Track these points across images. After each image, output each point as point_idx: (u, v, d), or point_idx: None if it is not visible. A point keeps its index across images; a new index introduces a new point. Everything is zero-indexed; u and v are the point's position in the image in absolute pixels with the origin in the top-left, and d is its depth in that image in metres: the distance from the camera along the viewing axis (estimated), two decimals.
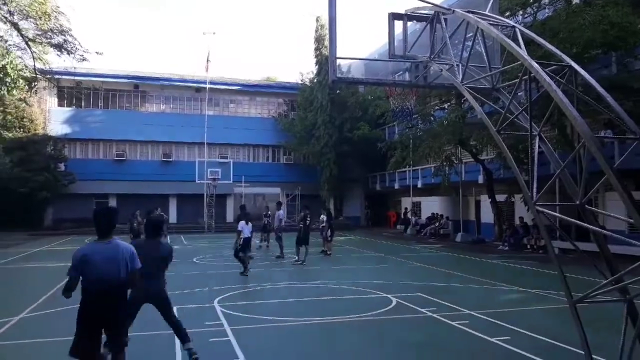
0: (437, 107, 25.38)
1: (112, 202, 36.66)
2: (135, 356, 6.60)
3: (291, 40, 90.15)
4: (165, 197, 36.93)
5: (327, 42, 38.24)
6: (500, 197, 24.32)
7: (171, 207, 37.87)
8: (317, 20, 37.84)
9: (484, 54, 5.53)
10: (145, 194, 34.84)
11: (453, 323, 8.12)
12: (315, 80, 37.82)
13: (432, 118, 24.79)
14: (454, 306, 9.36)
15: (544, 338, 7.18)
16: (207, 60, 35.57)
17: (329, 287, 11.89)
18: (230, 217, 37.98)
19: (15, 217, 32.27)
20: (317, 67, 37.63)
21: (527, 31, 5.25)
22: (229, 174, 35.05)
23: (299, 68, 50.72)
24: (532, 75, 4.41)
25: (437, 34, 6.16)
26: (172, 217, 37.47)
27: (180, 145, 39.23)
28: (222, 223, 35.63)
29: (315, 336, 7.63)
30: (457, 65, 5.57)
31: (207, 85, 36.77)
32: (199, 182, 34.53)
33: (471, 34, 5.53)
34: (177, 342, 7.04)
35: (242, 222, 13.83)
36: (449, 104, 24.24)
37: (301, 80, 39.77)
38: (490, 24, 5.04)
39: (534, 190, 4.19)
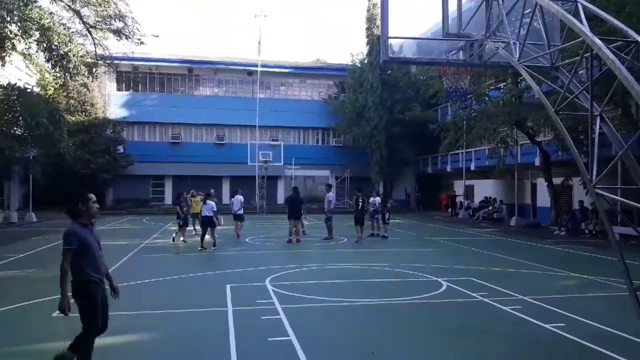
0: (492, 87, 24.60)
1: (168, 184, 38.01)
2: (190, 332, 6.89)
3: (342, 21, 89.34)
4: (218, 178, 37.82)
5: (378, 22, 37.67)
6: (557, 180, 23.43)
7: (224, 188, 38.74)
8: (369, 0, 37.27)
9: (543, 30, 5.30)
10: (200, 176, 35.90)
11: (505, 308, 7.97)
12: (366, 61, 37.40)
13: (486, 98, 24.05)
14: (507, 291, 9.18)
15: (600, 326, 6.94)
16: (259, 43, 35.86)
17: (377, 269, 11.90)
18: (280, 199, 38.50)
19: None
20: (368, 47, 37.15)
21: (589, 5, 4.97)
22: (279, 156, 35.42)
23: (349, 49, 50.03)
24: (594, 52, 4.20)
25: (493, 11, 5.96)
26: (226, 198, 38.39)
27: (233, 128, 39.97)
28: (273, 204, 36.21)
29: (363, 318, 7.68)
30: (514, 43, 5.38)
31: (259, 69, 37.12)
32: (250, 164, 35.12)
33: (529, 10, 5.31)
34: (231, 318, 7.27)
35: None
36: (504, 83, 23.43)
37: (351, 62, 39.43)
38: None
39: (594, 172, 4.01)
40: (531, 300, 8.48)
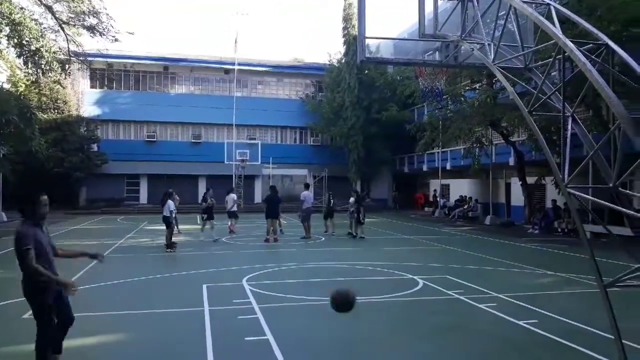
0: (467, 88, 24.92)
1: (143, 183, 37.51)
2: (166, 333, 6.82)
3: (319, 20, 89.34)
4: (195, 178, 37.50)
5: (355, 22, 38.01)
6: (531, 180, 23.88)
7: (200, 187, 38.38)
8: None
9: (517, 32, 5.39)
10: (176, 174, 35.54)
11: (480, 305, 8.10)
12: (343, 61, 37.49)
13: (462, 99, 24.36)
14: (482, 289, 9.32)
15: (573, 322, 7.10)
16: (235, 42, 35.66)
17: (355, 268, 11.96)
18: (258, 198, 38.34)
19: (52, 196, 33.24)
20: (345, 47, 37.24)
21: (562, 9, 5.08)
22: (257, 155, 35.28)
23: (327, 48, 50.17)
24: (566, 54, 4.29)
25: (469, 12, 6.03)
26: (201, 197, 38.06)
27: (210, 127, 39.63)
28: (250, 204, 36.04)
29: (341, 316, 7.68)
30: (489, 44, 5.46)
31: (236, 67, 36.89)
32: (227, 163, 34.89)
33: (504, 12, 5.39)
34: (207, 318, 7.22)
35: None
36: (480, 84, 23.77)
37: (329, 61, 39.48)
38: (524, 2, 4.90)
39: (566, 172, 4.10)
40: (505, 298, 8.63)
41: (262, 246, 16.28)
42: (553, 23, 4.54)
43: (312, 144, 41.15)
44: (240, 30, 57.47)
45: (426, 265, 12.24)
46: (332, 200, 20.26)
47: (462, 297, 8.69)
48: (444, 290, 9.26)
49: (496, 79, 21.55)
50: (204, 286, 9.44)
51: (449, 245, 16.67)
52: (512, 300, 8.44)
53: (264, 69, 40.85)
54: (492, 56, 5.37)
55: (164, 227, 15.23)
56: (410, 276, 10.60)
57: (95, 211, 32.54)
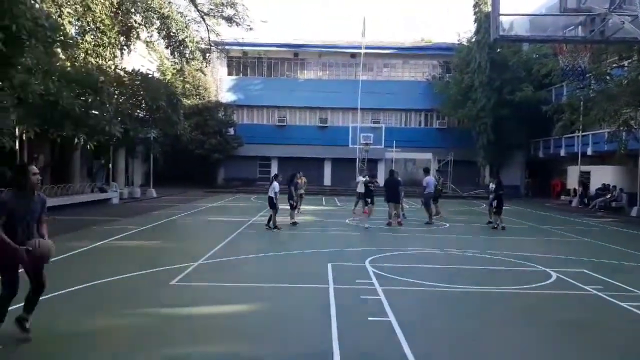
0: (614, 65, 22.50)
1: (274, 164, 39.49)
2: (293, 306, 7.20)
3: None
4: (321, 160, 38.69)
5: None
6: None
7: (326, 170, 39.56)
8: None
9: None
10: (303, 157, 36.91)
11: (622, 304, 7.41)
12: (474, 40, 35.84)
13: (608, 77, 22.06)
14: (625, 286, 8.50)
15: None
16: (363, 25, 35.70)
17: (482, 256, 11.55)
18: (381, 181, 38.32)
19: (193, 175, 36.60)
20: (475, 25, 35.56)
21: None
22: (380, 139, 35.27)
23: (455, 28, 48.06)
24: None
25: None
26: (327, 179, 39.22)
27: (336, 111, 40.45)
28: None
29: (466, 304, 7.54)
30: None
31: (362, 50, 37.02)
32: (352, 146, 35.37)
33: None
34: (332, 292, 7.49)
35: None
36: (629, 60, 21.33)
37: (458, 41, 38.00)
38: None
39: None
40: None
41: (386, 229, 16.36)
42: None
43: (437, 127, 40.15)
44: (366, 14, 57.28)
45: (561, 258, 11.44)
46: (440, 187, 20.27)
47: (600, 294, 8.02)
48: (580, 285, 8.61)
49: None
50: (329, 265, 9.77)
51: (588, 238, 15.38)
52: None
53: (389, 51, 40.55)
54: None
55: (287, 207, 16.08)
56: (543, 268, 9.99)
57: (231, 190, 35.03)
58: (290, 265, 10.18)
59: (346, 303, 7.15)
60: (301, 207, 19.75)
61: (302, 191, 19.69)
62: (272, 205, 15.36)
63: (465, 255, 11.66)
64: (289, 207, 16.50)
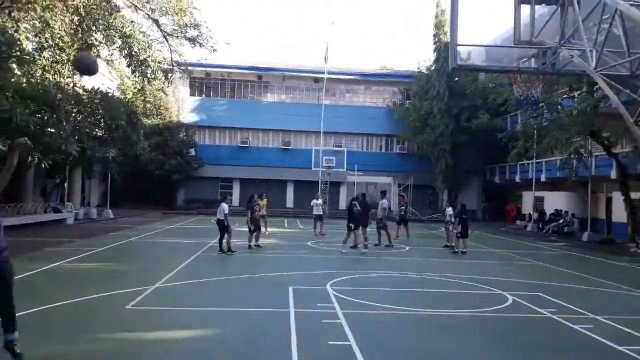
0: (565, 96, 23.56)
1: (236, 186, 39.19)
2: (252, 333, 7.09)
3: (409, 27, 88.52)
4: (283, 182, 38.63)
5: (447, 29, 37.29)
6: (636, 195, 22.06)
7: (288, 192, 39.52)
8: (437, 6, 36.82)
9: (622, 37, 5.08)
10: (266, 179, 36.79)
11: (575, 326, 7.63)
12: (433, 68, 36.87)
13: (559, 107, 23.06)
14: (577, 309, 8.77)
15: None
16: (326, 51, 36.21)
17: (439, 279, 11.72)
18: (342, 204, 38.60)
19: (153, 196, 35.84)
20: (435, 54, 36.63)
21: None
22: (342, 162, 35.59)
23: (415, 56, 49.46)
24: None
25: (568, 17, 5.77)
26: (290, 202, 39.16)
27: (299, 134, 40.63)
28: (335, 210, 36.36)
29: (425, 328, 7.61)
30: (591, 50, 5.19)
31: (325, 75, 37.50)
32: (314, 169, 35.51)
33: (608, 16, 5.11)
34: (292, 318, 7.43)
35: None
36: (579, 92, 22.40)
37: (417, 68, 39.03)
38: (632, 4, 4.62)
39: None
40: (604, 320, 8.06)
41: (347, 252, 16.36)
42: None
43: (398, 151, 40.82)
44: (329, 39, 58.30)
45: (516, 281, 11.72)
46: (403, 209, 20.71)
47: (554, 317, 8.24)
48: (535, 308, 8.83)
49: (598, 86, 20.30)
50: (290, 288, 9.70)
51: (542, 262, 15.83)
52: (611, 323, 7.87)
53: (352, 77, 41.23)
54: (594, 63, 5.11)
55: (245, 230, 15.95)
56: (499, 291, 10.20)
57: (191, 212, 34.45)
58: (250, 289, 10.04)
59: (307, 327, 7.10)
60: (266, 229, 19.71)
61: (263, 212, 19.42)
62: (224, 227, 14.63)
63: (425, 279, 11.80)
64: (247, 230, 16.17)
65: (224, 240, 14.71)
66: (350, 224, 16.05)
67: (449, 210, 18.35)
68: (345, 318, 7.59)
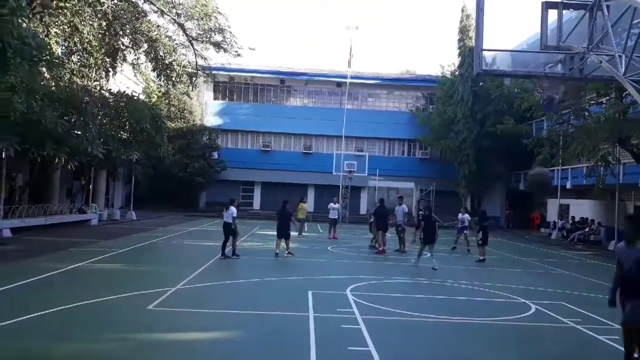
0: (592, 102, 23.10)
1: (257, 189, 39.41)
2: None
3: (433, 32, 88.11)
4: (304, 186, 38.67)
5: (471, 33, 36.96)
6: None
7: (309, 196, 39.54)
8: (462, 11, 36.51)
9: None
10: (287, 183, 36.92)
11: (599, 337, 7.45)
12: (457, 73, 36.55)
13: (586, 113, 22.62)
14: (603, 319, 8.55)
15: None
16: (350, 55, 36.26)
17: (463, 287, 11.57)
18: (363, 209, 38.49)
19: (175, 198, 36.27)
20: (459, 58, 36.32)
21: None
22: (364, 167, 35.51)
23: (439, 60, 49.06)
24: None
25: (597, 22, 5.66)
26: (310, 206, 39.18)
27: (320, 138, 40.70)
28: (355, 215, 36.29)
29: (445, 334, 7.51)
30: (620, 55, 5.08)
31: (348, 80, 37.53)
32: (335, 173, 35.51)
33: (638, 21, 5.00)
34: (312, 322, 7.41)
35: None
36: (607, 98, 21.93)
37: (441, 73, 38.75)
38: None
39: None
40: None
41: (366, 257, 16.32)
42: None
43: (420, 157, 40.57)
44: (352, 44, 58.28)
45: (540, 290, 11.51)
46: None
47: (578, 327, 8.06)
48: (559, 317, 8.65)
49: (627, 92, 19.86)
50: (310, 292, 9.69)
51: (567, 270, 15.52)
52: None
53: (374, 81, 41.14)
54: (624, 68, 4.99)
55: (275, 234, 15.45)
56: (523, 300, 10.03)
57: (213, 214, 34.71)
58: (270, 292, 10.06)
59: (326, 332, 7.07)
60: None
61: (302, 217, 21.82)
62: (231, 231, 14.40)
63: (445, 285, 11.67)
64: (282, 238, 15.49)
65: (229, 244, 14.49)
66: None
67: (465, 216, 18.78)
68: (364, 324, 7.54)
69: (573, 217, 29.34)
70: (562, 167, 28.89)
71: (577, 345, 7.23)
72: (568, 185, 29.29)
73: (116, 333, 6.66)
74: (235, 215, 14.51)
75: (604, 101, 22.35)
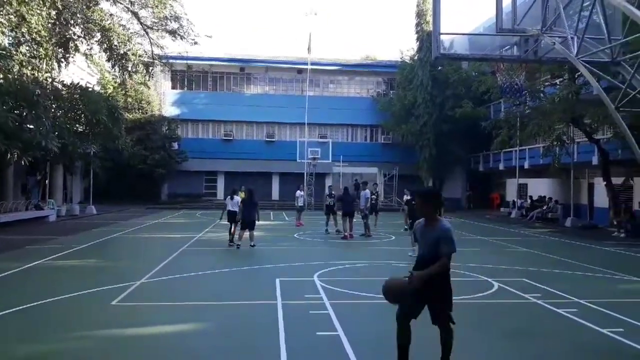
0: (547, 83, 23.78)
1: (220, 179, 39.00)
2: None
3: (391, 17, 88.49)
4: (268, 175, 38.52)
5: (429, 17, 37.34)
6: (617, 180, 22.41)
7: (274, 184, 39.49)
8: None
9: (603, 24, 5.11)
10: (251, 172, 36.66)
11: (559, 311, 7.74)
12: (416, 58, 36.94)
13: (541, 95, 23.27)
14: (562, 294, 8.90)
15: None
16: (309, 42, 36.05)
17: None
18: None
19: (136, 191, 35.49)
20: (417, 43, 36.69)
21: None
22: (328, 153, 35.59)
23: (398, 45, 49.20)
24: None
25: (550, 4, 5.79)
26: (275, 194, 39.09)
27: (283, 126, 40.49)
28: (320, 201, 36.36)
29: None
30: (572, 37, 5.22)
31: (309, 67, 37.35)
32: (299, 161, 35.44)
33: (588, 3, 5.13)
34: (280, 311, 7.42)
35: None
36: (560, 79, 22.62)
37: (401, 58, 39.06)
38: None
39: None
40: (587, 304, 8.19)
41: (331, 243, 16.41)
42: None
43: (382, 142, 40.91)
44: (312, 30, 58.01)
45: (502, 268, 11.85)
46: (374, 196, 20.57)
47: (539, 302, 8.35)
48: (521, 293, 8.94)
49: (579, 73, 20.47)
50: (277, 280, 9.69)
51: (526, 248, 16.02)
52: (595, 307, 7.99)
53: (335, 67, 41.12)
54: (576, 50, 5.13)
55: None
56: (485, 278, 10.31)
57: (175, 206, 34.19)
58: (237, 282, 10.01)
59: (295, 318, 7.09)
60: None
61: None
62: (236, 220, 15.01)
63: (410, 267, 11.84)
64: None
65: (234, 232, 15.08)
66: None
67: (407, 197, 19.84)
68: (333, 308, 7.60)
69: (531, 197, 30.24)
70: (520, 148, 29.69)
71: (539, 320, 7.48)
72: (526, 165, 30.16)
73: (79, 331, 6.50)
74: (240, 204, 15.06)
75: (558, 82, 23.03)
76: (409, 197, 19.34)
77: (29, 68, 20.31)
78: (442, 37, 6.63)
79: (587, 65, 4.98)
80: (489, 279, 10.15)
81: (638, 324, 7.05)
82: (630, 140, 4.57)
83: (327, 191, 21.06)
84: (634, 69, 4.64)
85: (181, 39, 24.24)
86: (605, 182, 22.65)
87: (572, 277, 11.03)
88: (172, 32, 24.10)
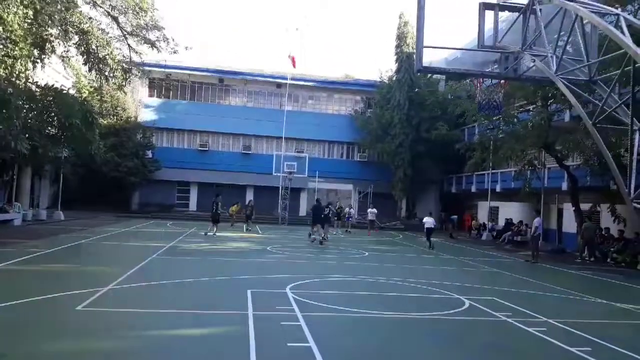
0: (521, 109, 24.33)
1: (194, 190, 38.49)
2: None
3: (371, 37, 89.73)
4: (243, 187, 38.16)
5: (409, 40, 37.89)
6: (585, 206, 22.92)
7: (248, 197, 39.08)
8: (400, 17, 37.47)
9: (582, 44, 5.24)
10: (225, 184, 36.27)
11: (529, 329, 7.79)
12: (395, 78, 37.46)
13: (515, 119, 23.78)
14: (531, 312, 8.97)
15: (628, 352, 6.72)
16: (291, 57, 36.18)
17: (399, 284, 11.77)
18: (303, 210, 38.52)
19: (107, 198, 34.71)
20: (397, 64, 37.25)
21: (633, 19, 4.90)
22: (304, 168, 35.51)
23: (378, 65, 49.76)
24: (637, 65, 4.13)
25: (531, 24, 5.91)
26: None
27: (260, 139, 40.32)
28: (295, 216, 36.23)
29: (384, 330, 7.59)
30: (552, 56, 5.33)
31: (288, 81, 37.46)
32: (275, 174, 35.27)
33: (568, 24, 5.26)
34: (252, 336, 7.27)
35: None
36: (534, 106, 23.17)
37: (380, 78, 39.56)
38: (592, 12, 4.76)
39: (632, 185, 3.93)
40: (556, 323, 8.27)
41: (306, 257, 16.29)
42: (623, 33, 4.39)
43: (358, 159, 41.10)
44: (293, 45, 58.36)
45: (473, 287, 11.91)
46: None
47: (509, 320, 8.39)
48: (491, 311, 8.98)
49: (551, 100, 21.05)
50: (249, 291, 9.52)
51: (497, 269, 16.18)
52: (563, 326, 8.08)
53: (314, 84, 41.30)
54: (555, 67, 5.24)
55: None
56: (457, 296, 10.34)
57: (146, 215, 33.53)
58: (208, 292, 9.80)
59: (266, 330, 6.96)
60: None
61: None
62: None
63: (383, 282, 11.83)
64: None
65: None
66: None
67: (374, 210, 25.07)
68: (304, 320, 7.49)
69: (509, 219, 30.75)
70: (492, 171, 30.17)
71: (508, 337, 7.51)
72: (498, 189, 30.61)
73: (38, 337, 6.24)
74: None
75: (531, 109, 23.57)
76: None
77: (2, 67, 19.81)
78: (424, 56, 6.70)
79: (565, 82, 5.10)
80: (461, 297, 10.18)
81: (604, 343, 7.13)
82: (605, 154, 4.66)
83: (315, 202, 22.93)
84: (610, 88, 4.75)
85: (158, 51, 24.07)
86: (574, 208, 23.12)
87: (540, 297, 11.15)
88: (151, 42, 23.88)
